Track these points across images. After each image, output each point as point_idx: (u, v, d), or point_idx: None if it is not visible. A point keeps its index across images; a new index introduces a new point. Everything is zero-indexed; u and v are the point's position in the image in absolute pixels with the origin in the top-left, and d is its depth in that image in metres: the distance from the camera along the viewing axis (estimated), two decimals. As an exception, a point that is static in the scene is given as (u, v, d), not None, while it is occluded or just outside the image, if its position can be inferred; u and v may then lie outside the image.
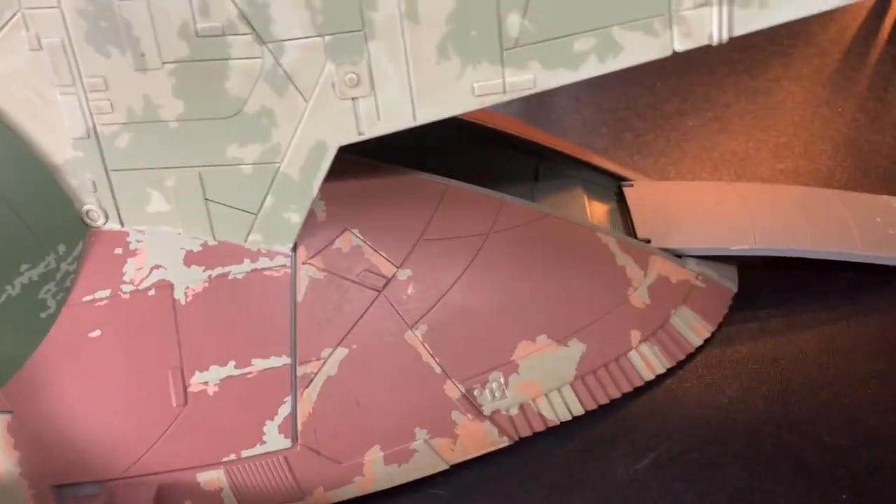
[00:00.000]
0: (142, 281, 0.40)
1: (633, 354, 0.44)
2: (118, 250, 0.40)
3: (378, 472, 0.40)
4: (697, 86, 0.72)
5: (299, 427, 0.40)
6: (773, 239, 0.48)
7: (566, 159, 0.55)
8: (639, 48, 0.35)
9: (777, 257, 0.48)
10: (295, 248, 0.41)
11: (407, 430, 0.41)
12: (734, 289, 0.48)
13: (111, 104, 0.37)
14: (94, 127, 0.37)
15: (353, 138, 0.37)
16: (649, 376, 0.44)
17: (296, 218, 0.40)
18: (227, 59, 0.36)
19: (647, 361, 0.44)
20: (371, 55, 0.35)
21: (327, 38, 0.35)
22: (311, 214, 0.40)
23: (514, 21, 0.34)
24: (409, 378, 0.41)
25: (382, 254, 0.41)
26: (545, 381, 0.42)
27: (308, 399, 0.40)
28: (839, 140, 0.63)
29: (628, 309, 0.44)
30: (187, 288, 0.40)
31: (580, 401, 0.42)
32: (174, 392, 0.39)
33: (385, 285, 0.41)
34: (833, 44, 0.78)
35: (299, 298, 0.41)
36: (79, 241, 0.40)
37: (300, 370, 0.40)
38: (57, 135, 0.37)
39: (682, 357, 0.45)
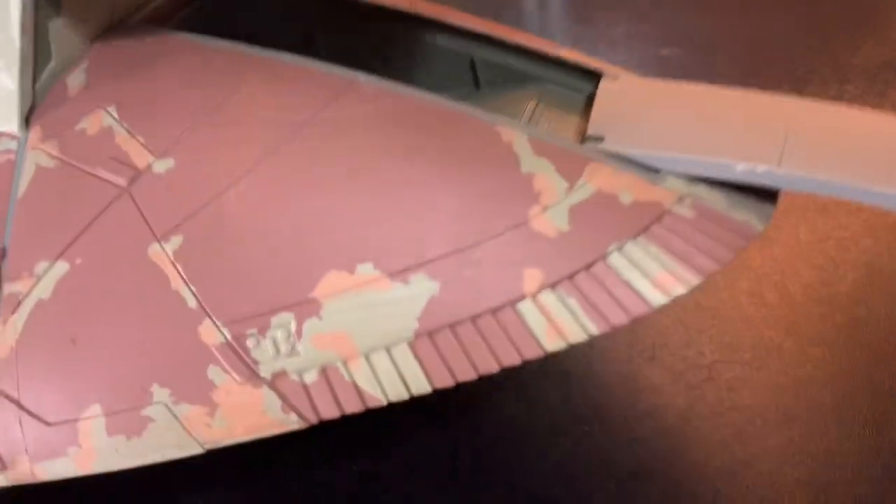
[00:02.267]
0: None
1: (525, 306, 0.30)
2: None
3: (99, 444, 0.30)
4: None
5: None
6: (813, 163, 0.31)
7: (519, 53, 0.40)
8: None
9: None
10: (28, 129, 0.32)
11: (139, 386, 0.30)
12: (757, 227, 0.32)
13: None
14: None
15: None
16: (554, 344, 0.30)
17: (8, 82, 0.31)
18: None
19: (553, 321, 0.30)
20: None
21: None
22: (61, 87, 0.32)
23: None
24: (149, 310, 0.30)
25: (139, 139, 0.32)
26: (365, 335, 0.30)
27: (12, 329, 0.31)
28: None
29: (525, 235, 0.30)
30: None
31: (424, 371, 0.30)
32: None
33: (133, 180, 0.31)
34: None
35: (19, 193, 0.32)
36: None
37: (6, 288, 0.31)
38: None
39: (623, 320, 0.30)
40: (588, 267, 0.30)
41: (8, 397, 0.30)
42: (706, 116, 0.34)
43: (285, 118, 0.31)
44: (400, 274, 0.30)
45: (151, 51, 0.34)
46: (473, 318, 0.30)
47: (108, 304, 0.31)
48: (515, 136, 0.32)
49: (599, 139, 0.33)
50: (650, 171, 0.32)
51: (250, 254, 0.30)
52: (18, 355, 0.31)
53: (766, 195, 0.33)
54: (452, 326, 0.30)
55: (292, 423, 0.30)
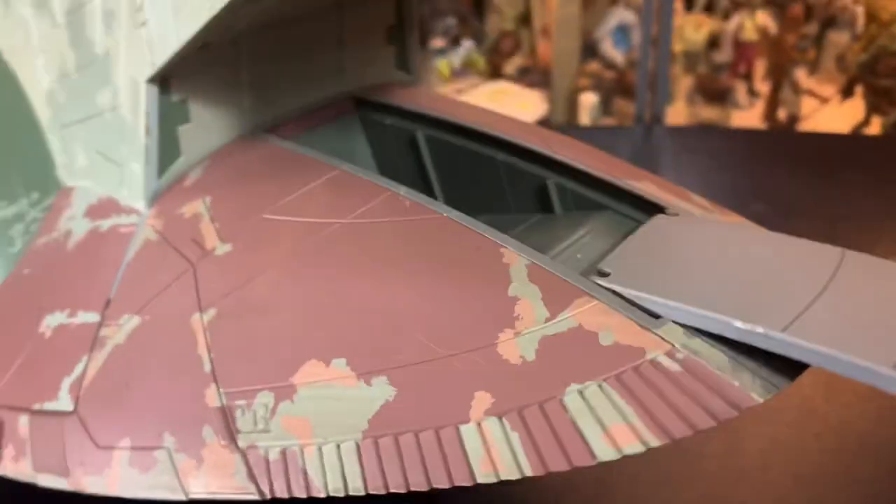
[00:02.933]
0: (59, 229, 0.41)
1: (467, 430, 0.28)
2: (61, 202, 0.41)
3: (123, 471, 0.34)
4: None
5: (81, 392, 0.36)
6: (831, 334, 0.27)
7: (590, 181, 0.39)
8: None
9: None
10: (150, 208, 0.39)
11: (157, 430, 0.33)
12: (755, 397, 0.28)
13: (46, 61, 0.38)
14: (50, 83, 0.39)
15: (148, 71, 0.36)
16: (485, 476, 0.28)
17: (136, 167, 0.37)
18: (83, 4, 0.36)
19: (490, 450, 0.28)
20: None
21: None
22: (183, 179, 0.39)
23: None
24: (177, 368, 0.34)
25: (216, 225, 0.36)
26: (323, 426, 0.30)
27: (94, 365, 0.36)
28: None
29: (488, 358, 0.29)
30: (73, 236, 0.40)
31: (362, 471, 0.29)
32: (29, 331, 0.38)
33: (201, 258, 0.35)
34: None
35: (129, 257, 0.38)
36: (52, 194, 0.43)
37: (101, 331, 0.36)
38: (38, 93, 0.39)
39: (561, 467, 0.27)
40: (541, 403, 0.28)
41: (80, 419, 0.35)
42: (740, 262, 0.32)
43: (322, 217, 0.34)
44: (365, 375, 0.30)
45: (255, 155, 0.40)
46: (416, 432, 0.29)
47: (152, 358, 0.35)
48: (516, 260, 0.31)
49: (605, 274, 0.31)
50: (651, 315, 0.30)
51: (257, 333, 0.33)
52: (94, 387, 0.35)
53: (791, 364, 0.28)
54: (395, 436, 0.29)
55: (251, 494, 0.31)
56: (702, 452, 0.60)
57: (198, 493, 0.32)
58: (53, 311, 0.38)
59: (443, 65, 1.62)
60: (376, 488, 0.29)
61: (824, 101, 1.58)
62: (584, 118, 1.56)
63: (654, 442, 0.27)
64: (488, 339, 0.30)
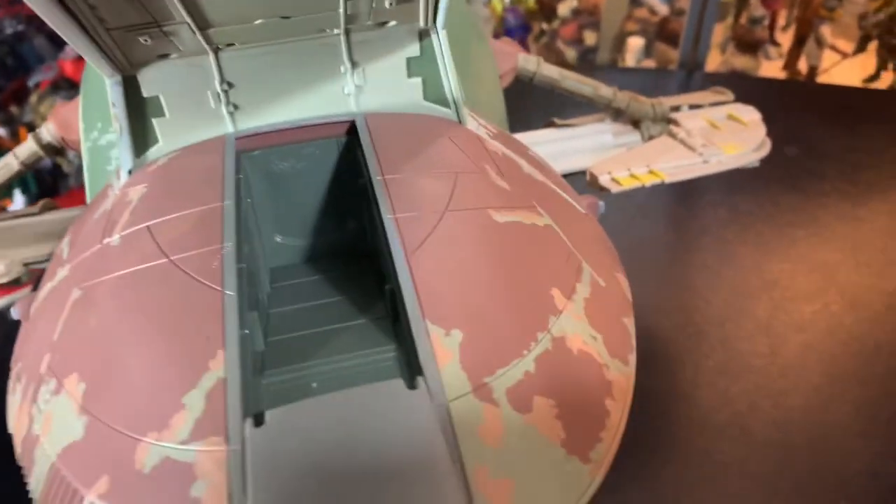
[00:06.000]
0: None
1: (85, 501, 0.30)
2: None
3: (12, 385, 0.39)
4: (812, 204, 0.92)
5: (33, 305, 0.42)
6: None
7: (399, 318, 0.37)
8: None
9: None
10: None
11: (27, 368, 0.38)
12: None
13: None
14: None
15: (109, 70, 0.42)
16: None
17: (117, 140, 0.45)
18: None
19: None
20: None
21: None
22: (154, 162, 0.44)
23: None
24: (48, 324, 0.38)
25: (129, 216, 0.39)
26: (54, 431, 0.33)
27: (45, 291, 0.42)
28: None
29: (125, 448, 0.30)
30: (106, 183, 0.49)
31: (42, 491, 0.32)
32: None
33: (105, 241, 0.39)
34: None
35: (96, 215, 0.43)
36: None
37: (60, 267, 0.42)
38: None
39: None
40: None
41: (29, 320, 0.41)
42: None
43: (164, 245, 0.37)
44: (83, 408, 0.32)
45: (200, 161, 0.43)
46: (65, 482, 0.31)
47: (47, 306, 0.40)
48: (216, 366, 0.31)
49: (261, 423, 0.30)
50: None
51: (78, 330, 0.36)
52: (38, 305, 0.41)
53: None
54: (59, 472, 0.32)
55: (18, 454, 0.35)
56: (751, 351, 0.72)
57: (9, 427, 0.36)
58: (67, 236, 0.46)
59: (495, 1, 1.68)
60: None
61: (844, 55, 1.68)
62: (630, 60, 1.65)
63: None
64: (140, 434, 0.30)
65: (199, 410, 0.30)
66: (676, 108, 0.77)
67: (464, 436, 0.29)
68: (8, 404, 0.38)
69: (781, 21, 1.77)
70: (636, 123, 0.75)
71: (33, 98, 1.55)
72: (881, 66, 1.64)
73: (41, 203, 0.66)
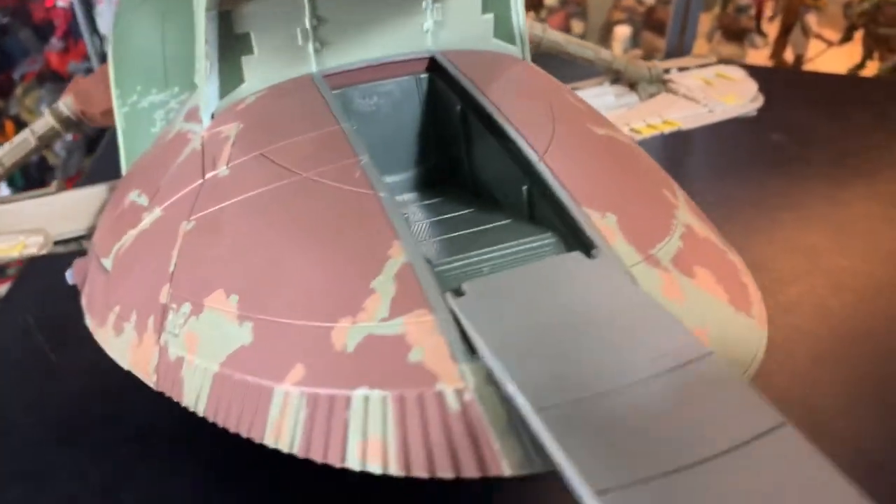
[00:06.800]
0: (172, 124, 0.48)
1: (276, 393, 0.30)
2: (186, 102, 0.49)
3: (108, 330, 0.40)
4: (797, 189, 0.93)
5: (115, 260, 0.42)
6: (568, 439, 0.25)
7: (554, 202, 0.36)
8: None
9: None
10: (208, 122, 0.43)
11: (132, 307, 0.39)
12: (504, 469, 0.27)
13: None
14: None
15: (205, 3, 0.40)
16: (270, 439, 0.30)
17: (200, 80, 0.43)
18: None
19: (280, 422, 0.30)
20: None
21: None
22: (240, 102, 0.43)
23: None
24: (157, 261, 0.38)
25: (233, 150, 0.39)
26: (202, 346, 0.33)
27: (127, 241, 0.42)
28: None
29: (319, 337, 0.30)
30: (171, 132, 0.47)
31: (208, 399, 0.32)
32: (121, 200, 0.46)
33: (209, 175, 0.40)
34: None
35: (180, 159, 0.43)
36: (188, 91, 0.50)
37: (142, 214, 0.42)
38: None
39: (318, 458, 0.29)
40: (333, 394, 0.29)
41: (110, 280, 0.41)
42: (594, 333, 0.28)
43: (293, 166, 0.37)
44: (242, 316, 0.32)
45: (296, 96, 0.43)
46: (244, 383, 0.31)
47: (150, 247, 0.40)
48: (397, 255, 0.31)
49: (461, 294, 0.30)
50: (470, 349, 0.29)
51: (206, 251, 0.36)
52: (120, 258, 0.42)
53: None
54: (230, 377, 0.32)
55: (152, 382, 0.36)
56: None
57: (131, 367, 0.37)
58: (133, 189, 0.46)
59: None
60: (212, 413, 0.32)
61: (830, 44, 1.69)
62: (617, 48, 1.66)
63: (394, 469, 0.27)
64: (330, 321, 0.30)
65: (392, 291, 0.30)
66: (667, 71, 0.82)
67: (652, 295, 0.31)
68: (113, 346, 0.39)
69: (768, 10, 1.78)
70: (632, 86, 0.79)
71: (18, 90, 1.55)
72: (867, 56, 1.65)
73: (55, 183, 0.66)
